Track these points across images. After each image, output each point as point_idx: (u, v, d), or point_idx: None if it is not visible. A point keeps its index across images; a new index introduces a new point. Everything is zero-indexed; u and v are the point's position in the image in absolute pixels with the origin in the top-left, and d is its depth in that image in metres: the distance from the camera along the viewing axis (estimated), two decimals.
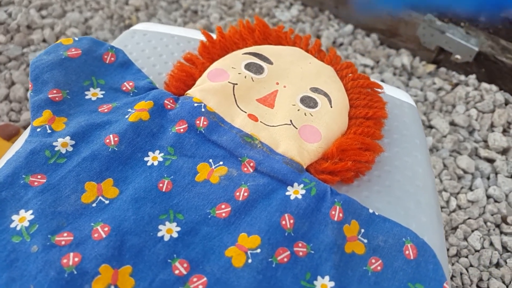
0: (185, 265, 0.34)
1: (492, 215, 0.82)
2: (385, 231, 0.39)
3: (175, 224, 0.36)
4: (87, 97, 0.45)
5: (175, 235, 0.36)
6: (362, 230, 0.39)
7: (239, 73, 0.49)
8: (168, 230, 0.36)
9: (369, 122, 0.47)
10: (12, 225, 0.34)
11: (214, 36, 0.55)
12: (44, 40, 1.05)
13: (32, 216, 0.35)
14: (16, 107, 0.92)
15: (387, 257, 0.37)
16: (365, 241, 0.38)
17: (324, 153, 0.44)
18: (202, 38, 0.56)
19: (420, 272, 0.36)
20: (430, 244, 0.38)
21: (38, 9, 1.12)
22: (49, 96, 0.43)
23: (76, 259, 0.33)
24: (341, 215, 0.39)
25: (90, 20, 1.12)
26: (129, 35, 0.58)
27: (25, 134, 0.43)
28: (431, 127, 0.99)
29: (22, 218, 0.35)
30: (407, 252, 0.38)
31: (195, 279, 0.33)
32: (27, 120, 0.90)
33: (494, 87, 1.07)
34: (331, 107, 0.48)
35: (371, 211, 0.40)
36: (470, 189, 0.88)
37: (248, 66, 0.50)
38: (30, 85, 0.44)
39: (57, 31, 1.07)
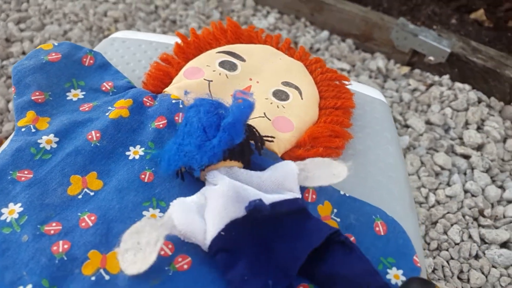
0: (170, 246, 0.36)
1: (469, 209, 0.84)
2: (356, 210, 0.41)
3: (158, 210, 0.38)
4: (68, 98, 0.47)
5: None
6: (335, 210, 0.41)
7: (214, 71, 0.51)
8: (152, 215, 0.38)
9: (338, 112, 0.50)
10: (2, 218, 0.36)
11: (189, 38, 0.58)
12: (23, 53, 1.06)
13: (21, 209, 0.36)
14: None
15: (359, 234, 0.40)
16: (338, 220, 0.40)
17: (297, 141, 0.47)
18: (179, 41, 0.59)
19: (391, 247, 0.39)
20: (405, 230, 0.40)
21: (16, 22, 1.14)
22: (32, 98, 0.45)
23: (66, 246, 0.34)
24: (314, 196, 0.41)
25: (70, 32, 1.14)
26: (108, 43, 0.60)
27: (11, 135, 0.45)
28: (407, 126, 1.01)
29: (11, 211, 0.36)
30: (377, 228, 0.40)
31: (180, 259, 0.35)
32: (10, 131, 0.90)
33: (467, 86, 1.10)
34: (302, 99, 0.50)
35: (342, 192, 0.42)
36: (448, 184, 0.90)
37: (222, 64, 0.52)
38: (13, 89, 0.46)
39: (36, 43, 1.08)
